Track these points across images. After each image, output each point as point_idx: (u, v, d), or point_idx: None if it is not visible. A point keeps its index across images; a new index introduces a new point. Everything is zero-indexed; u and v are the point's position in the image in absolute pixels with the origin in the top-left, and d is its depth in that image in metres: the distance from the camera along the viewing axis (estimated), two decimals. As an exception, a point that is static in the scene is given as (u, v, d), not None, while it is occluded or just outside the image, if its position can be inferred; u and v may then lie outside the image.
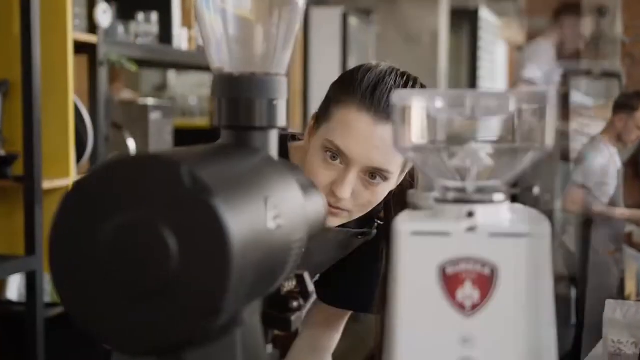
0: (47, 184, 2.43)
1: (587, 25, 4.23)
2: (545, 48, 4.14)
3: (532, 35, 9.74)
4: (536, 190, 4.54)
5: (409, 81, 1.28)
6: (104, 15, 2.67)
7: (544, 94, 0.69)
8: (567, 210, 4.19)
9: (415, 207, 0.78)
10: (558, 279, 4.18)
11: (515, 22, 9.28)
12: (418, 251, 0.67)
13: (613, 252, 4.24)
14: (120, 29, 2.96)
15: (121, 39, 2.92)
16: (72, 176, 2.54)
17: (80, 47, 2.65)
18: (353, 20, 5.07)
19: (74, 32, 2.57)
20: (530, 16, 10.00)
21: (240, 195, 0.67)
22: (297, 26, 0.84)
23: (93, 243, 0.62)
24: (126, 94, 3.96)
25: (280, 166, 0.80)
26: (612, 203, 4.15)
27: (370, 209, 1.31)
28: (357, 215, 1.30)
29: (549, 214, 4.12)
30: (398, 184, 1.34)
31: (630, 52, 4.58)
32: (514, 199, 0.73)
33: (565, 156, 4.41)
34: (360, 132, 1.22)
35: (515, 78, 4.23)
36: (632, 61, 4.62)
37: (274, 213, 0.71)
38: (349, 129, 1.23)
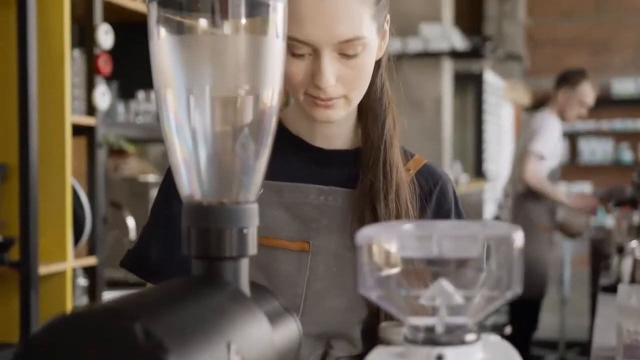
0: (43, 269, 2.42)
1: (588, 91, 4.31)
2: (554, 121, 4.22)
3: (537, 96, 9.82)
4: None
5: None
6: (103, 97, 2.68)
7: (511, 236, 0.67)
8: (525, 180, 4.19)
9: (386, 342, 0.76)
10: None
11: (520, 83, 9.34)
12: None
13: (548, 229, 4.27)
14: (121, 107, 2.98)
15: (121, 118, 2.94)
16: (69, 260, 2.53)
17: (79, 129, 2.66)
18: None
19: (73, 115, 2.58)
20: (535, 77, 10.10)
21: (200, 345, 0.65)
22: (267, 154, 0.83)
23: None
24: (133, 163, 3.97)
25: (248, 301, 0.78)
26: (551, 178, 4.29)
27: (365, 85, 1.19)
28: (356, 98, 1.19)
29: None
30: (384, 49, 1.23)
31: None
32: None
33: None
34: (310, 13, 1.10)
35: (521, 146, 4.26)
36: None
37: (238, 358, 0.69)
38: (298, 16, 1.09)
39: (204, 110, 0.80)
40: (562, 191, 4.37)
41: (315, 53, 1.13)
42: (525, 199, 4.30)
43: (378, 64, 1.26)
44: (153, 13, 0.80)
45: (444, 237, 0.70)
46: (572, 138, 10.13)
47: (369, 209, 1.20)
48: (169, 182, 1.25)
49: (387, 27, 1.22)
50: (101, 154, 2.71)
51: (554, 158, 4.30)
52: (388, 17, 1.22)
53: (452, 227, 0.73)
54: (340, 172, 1.26)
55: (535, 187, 4.16)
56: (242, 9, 0.79)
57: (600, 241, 4.92)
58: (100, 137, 2.70)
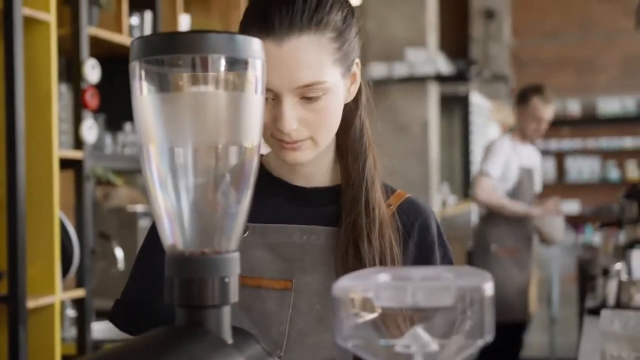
0: (32, 303, 2.43)
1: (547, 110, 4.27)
2: (506, 143, 4.21)
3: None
4: None
5: None
6: (90, 131, 2.71)
7: (481, 286, 0.70)
8: (475, 199, 4.18)
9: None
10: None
11: (507, 103, 9.42)
12: None
13: (511, 251, 4.20)
14: (108, 139, 3.01)
15: (109, 150, 2.96)
16: (58, 293, 2.54)
17: (67, 163, 2.68)
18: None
19: (60, 149, 2.60)
20: (522, 97, 10.19)
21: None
22: (248, 203, 0.86)
23: None
24: (122, 192, 3.97)
25: (229, 349, 0.80)
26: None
27: (332, 127, 1.20)
28: (324, 140, 1.20)
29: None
30: (354, 92, 1.24)
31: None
32: None
33: None
34: (270, 59, 1.08)
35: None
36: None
37: (219, 408, 0.71)
38: None
39: (186, 164, 0.83)
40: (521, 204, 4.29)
41: (277, 98, 1.15)
42: (484, 223, 4.28)
43: (357, 104, 1.29)
44: (136, 71, 0.82)
45: (418, 287, 0.72)
46: (559, 157, 10.21)
47: (353, 248, 1.22)
48: (152, 235, 1.27)
49: (357, 70, 1.24)
50: (89, 187, 2.73)
51: (509, 180, 4.22)
52: (358, 60, 1.23)
53: (426, 277, 0.75)
54: (321, 210, 1.29)
55: (490, 205, 4.14)
56: (222, 66, 0.82)
57: (587, 260, 4.94)
58: (87, 170, 2.72)
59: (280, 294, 1.23)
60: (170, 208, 0.83)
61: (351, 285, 0.73)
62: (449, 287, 0.71)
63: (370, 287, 0.73)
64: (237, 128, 0.84)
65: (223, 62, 0.82)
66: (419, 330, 0.73)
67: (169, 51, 0.81)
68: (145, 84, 0.82)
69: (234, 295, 0.83)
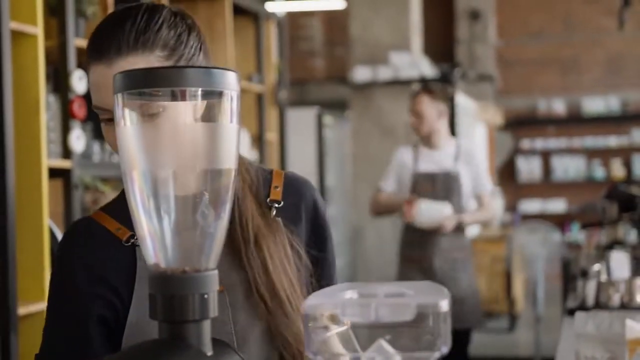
0: (22, 310, 2.48)
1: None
2: (399, 157, 4.11)
3: (509, 115, 10.00)
4: None
5: (136, 11, 1.19)
6: (78, 140, 2.76)
7: (438, 303, 0.76)
8: (371, 211, 4.16)
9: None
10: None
11: (493, 103, 9.50)
12: None
13: (414, 260, 4.03)
14: (96, 147, 3.06)
15: (96, 158, 3.01)
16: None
17: (55, 172, 2.74)
18: (328, 119, 5.20)
19: (49, 159, 2.65)
20: (507, 97, 10.27)
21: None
22: (225, 224, 0.92)
23: None
24: (111, 197, 4.02)
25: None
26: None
27: None
28: None
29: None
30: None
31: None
32: None
33: None
34: (102, 82, 1.17)
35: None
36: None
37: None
38: (94, 86, 1.18)
39: (167, 188, 0.89)
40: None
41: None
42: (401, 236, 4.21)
43: None
44: (119, 103, 0.88)
45: (381, 304, 0.79)
46: (545, 155, 10.31)
47: (238, 260, 1.26)
48: (59, 274, 1.26)
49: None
50: (77, 196, 2.79)
51: (403, 190, 4.07)
52: None
53: (389, 294, 0.82)
54: None
55: (378, 210, 4.11)
56: (199, 98, 0.88)
57: (571, 260, 5.01)
58: (76, 179, 2.77)
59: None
60: (152, 229, 0.89)
61: (319, 303, 0.80)
62: (409, 304, 0.78)
63: (337, 304, 0.79)
64: (215, 154, 0.90)
65: (200, 94, 0.88)
66: (383, 343, 0.79)
67: (149, 85, 0.87)
68: (127, 115, 0.88)
69: (213, 310, 0.89)
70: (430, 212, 3.88)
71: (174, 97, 0.88)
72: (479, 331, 5.55)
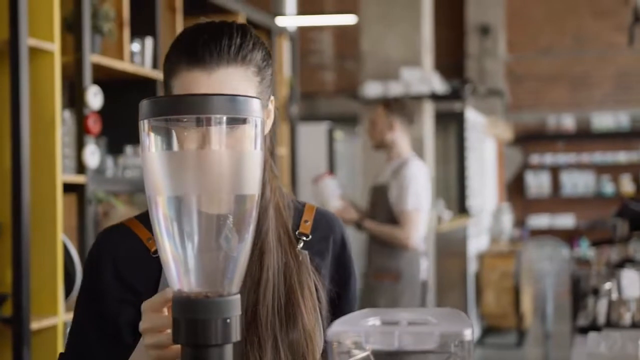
0: (35, 324, 2.49)
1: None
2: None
3: (518, 130, 10.00)
4: None
5: (230, 27, 1.22)
6: (92, 156, 2.78)
7: (462, 332, 0.77)
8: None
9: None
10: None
11: (502, 118, 9.50)
12: None
13: (379, 276, 3.96)
14: (110, 162, 3.07)
15: (110, 173, 3.03)
16: (61, 314, 2.60)
17: (70, 187, 2.75)
18: (339, 135, 5.21)
19: (63, 174, 2.67)
20: (517, 112, 10.28)
21: None
22: (248, 250, 0.93)
23: None
24: (122, 210, 4.03)
25: (231, 386, 0.87)
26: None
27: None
28: None
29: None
30: (267, 128, 1.27)
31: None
32: None
33: None
34: (199, 87, 1.18)
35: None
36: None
37: None
38: (184, 91, 1.19)
39: (191, 214, 0.90)
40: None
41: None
42: None
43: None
44: (145, 129, 0.89)
45: (405, 332, 0.80)
46: (554, 171, 10.29)
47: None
48: (90, 274, 1.29)
49: (271, 107, 1.29)
50: (91, 210, 2.80)
51: None
52: (273, 98, 1.29)
53: (412, 321, 0.82)
54: None
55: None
56: (224, 124, 0.90)
57: (581, 276, 4.97)
58: (90, 194, 2.79)
59: None
60: (176, 254, 0.91)
61: (343, 330, 0.80)
62: (432, 333, 0.79)
63: (360, 332, 0.80)
64: (239, 180, 0.92)
65: (225, 121, 0.89)
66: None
67: (176, 112, 0.89)
68: (153, 141, 0.89)
69: (235, 334, 0.90)
70: (325, 189, 3.95)
71: (199, 124, 0.90)
72: (487, 346, 5.51)
